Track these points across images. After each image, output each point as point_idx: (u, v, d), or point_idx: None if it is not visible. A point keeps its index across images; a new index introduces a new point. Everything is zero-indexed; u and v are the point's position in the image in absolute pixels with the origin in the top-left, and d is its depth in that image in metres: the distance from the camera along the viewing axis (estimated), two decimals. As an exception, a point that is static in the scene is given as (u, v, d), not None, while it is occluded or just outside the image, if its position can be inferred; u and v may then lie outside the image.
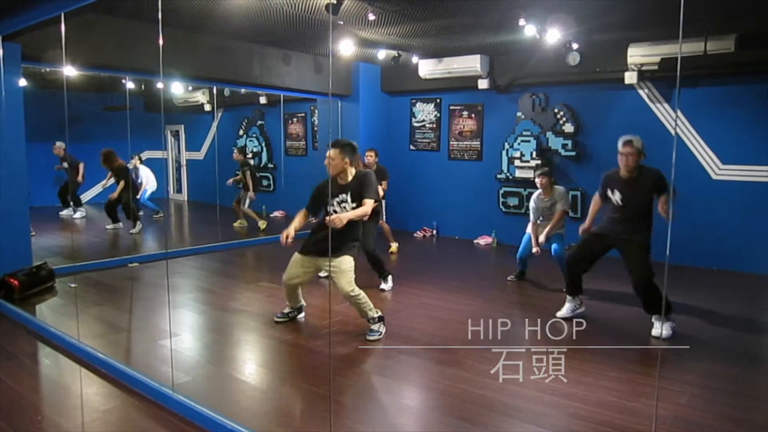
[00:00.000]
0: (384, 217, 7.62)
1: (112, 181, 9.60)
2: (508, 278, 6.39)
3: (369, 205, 4.41)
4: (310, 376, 3.89)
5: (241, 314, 5.23)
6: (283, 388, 3.72)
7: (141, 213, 9.69)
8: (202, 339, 4.71)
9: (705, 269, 6.84)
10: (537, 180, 6.01)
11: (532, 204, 6.07)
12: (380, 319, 4.56)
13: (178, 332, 4.66)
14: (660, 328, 4.45)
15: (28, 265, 5.83)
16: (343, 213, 4.33)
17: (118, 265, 7.01)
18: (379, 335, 4.51)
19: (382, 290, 5.94)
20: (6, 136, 5.67)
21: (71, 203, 10.28)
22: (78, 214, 10.29)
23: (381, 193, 7.36)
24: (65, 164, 10.03)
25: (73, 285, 6.01)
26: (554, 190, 5.95)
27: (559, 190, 5.96)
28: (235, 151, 9.75)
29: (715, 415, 3.28)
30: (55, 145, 9.94)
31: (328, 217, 4.22)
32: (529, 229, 6.07)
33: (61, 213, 10.33)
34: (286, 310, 4.90)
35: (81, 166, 10.06)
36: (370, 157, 7.44)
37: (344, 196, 4.47)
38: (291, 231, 4.37)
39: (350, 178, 4.49)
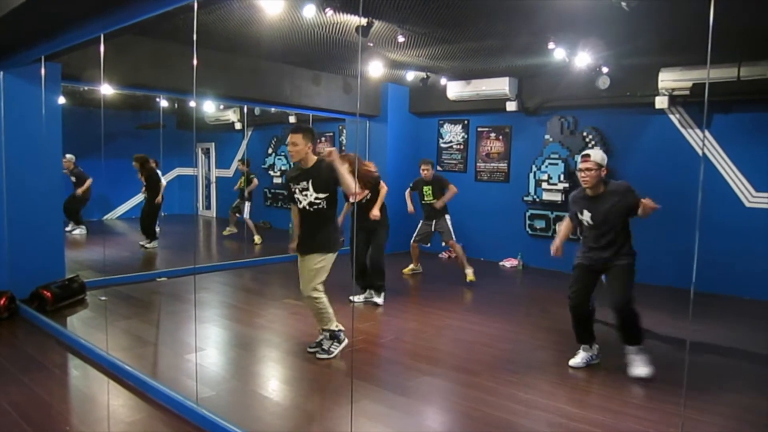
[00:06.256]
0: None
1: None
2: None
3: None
4: (333, 395, 3.89)
5: (265, 331, 5.27)
6: (305, 406, 3.72)
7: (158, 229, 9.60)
8: (227, 354, 4.75)
9: (736, 298, 6.66)
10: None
11: None
12: (334, 336, 4.51)
13: (204, 347, 4.71)
14: (639, 365, 4.14)
15: (61, 278, 5.97)
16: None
17: (147, 280, 7.13)
18: (327, 355, 4.45)
19: (376, 304, 6.12)
20: (45, 153, 5.86)
21: (71, 220, 10.10)
22: (77, 231, 10.24)
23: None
24: (72, 179, 9.96)
25: (103, 298, 6.13)
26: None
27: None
28: (240, 164, 10.33)
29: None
30: (65, 157, 9.37)
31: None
32: None
33: (73, 232, 10.15)
34: (319, 338, 4.62)
35: (89, 182, 10.08)
36: (426, 171, 7.44)
37: (305, 183, 4.33)
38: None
39: (311, 164, 4.35)
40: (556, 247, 4.51)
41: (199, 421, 3.28)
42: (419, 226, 7.65)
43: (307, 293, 4.36)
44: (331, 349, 4.48)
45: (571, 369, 4.33)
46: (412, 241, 7.69)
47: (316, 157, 4.37)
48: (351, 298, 6.12)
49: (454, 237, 7.42)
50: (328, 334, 4.51)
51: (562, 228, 4.68)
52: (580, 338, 4.41)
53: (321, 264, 4.32)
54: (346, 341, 4.59)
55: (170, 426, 3.33)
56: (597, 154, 4.22)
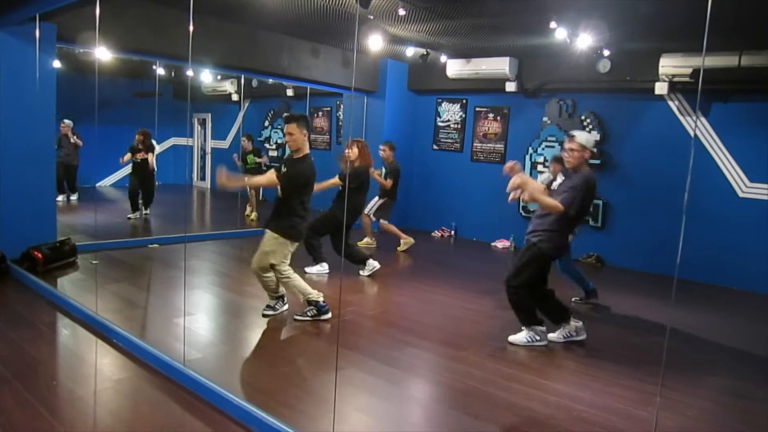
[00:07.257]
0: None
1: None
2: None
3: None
4: (319, 362, 3.94)
5: (254, 298, 5.28)
6: (291, 371, 3.76)
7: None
8: (216, 320, 4.78)
9: (726, 288, 6.71)
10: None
11: None
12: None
13: (193, 312, 4.74)
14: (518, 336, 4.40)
15: (53, 240, 5.97)
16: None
17: (139, 246, 7.14)
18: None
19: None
20: (38, 116, 5.79)
21: (67, 188, 10.17)
22: (74, 197, 10.28)
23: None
24: (75, 139, 9.94)
25: (94, 261, 6.14)
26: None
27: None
28: (244, 139, 9.97)
29: (721, 430, 3.26)
30: (63, 122, 9.59)
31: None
32: None
33: (71, 197, 10.21)
34: (306, 309, 4.71)
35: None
36: (383, 151, 7.48)
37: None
38: None
39: (298, 156, 4.49)
40: None
41: (186, 381, 3.31)
42: None
43: (253, 267, 4.55)
44: (306, 312, 4.65)
45: (555, 345, 4.40)
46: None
47: (307, 151, 4.49)
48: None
49: (368, 210, 7.64)
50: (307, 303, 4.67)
51: None
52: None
53: (271, 247, 4.43)
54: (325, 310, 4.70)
55: (156, 385, 3.36)
56: (582, 137, 4.30)
